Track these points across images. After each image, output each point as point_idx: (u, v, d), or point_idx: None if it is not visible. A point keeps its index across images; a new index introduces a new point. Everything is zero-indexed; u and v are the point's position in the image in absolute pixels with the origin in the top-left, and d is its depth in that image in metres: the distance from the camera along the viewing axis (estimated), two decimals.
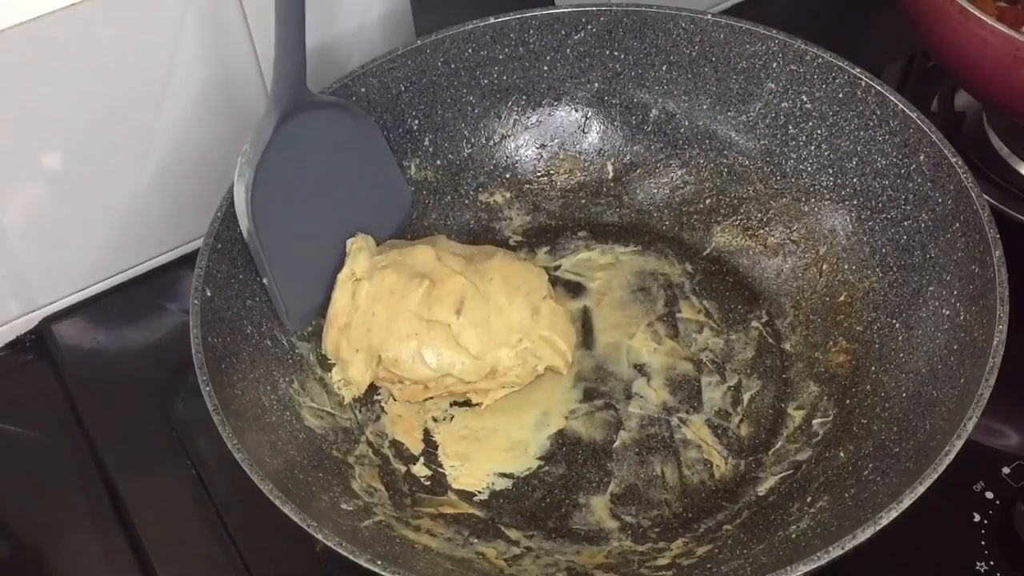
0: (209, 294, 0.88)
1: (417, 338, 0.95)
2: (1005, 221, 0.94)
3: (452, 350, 0.95)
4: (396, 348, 0.95)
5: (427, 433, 0.96)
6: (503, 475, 0.94)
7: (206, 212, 0.92)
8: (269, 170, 0.93)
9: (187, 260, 1.10)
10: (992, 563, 0.89)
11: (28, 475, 0.99)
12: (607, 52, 1.06)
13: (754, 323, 1.01)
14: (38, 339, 1.08)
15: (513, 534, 0.90)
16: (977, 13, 0.91)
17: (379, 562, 0.75)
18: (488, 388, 0.97)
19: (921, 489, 0.75)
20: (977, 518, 0.91)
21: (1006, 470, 0.94)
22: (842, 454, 0.89)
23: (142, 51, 0.97)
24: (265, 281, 0.95)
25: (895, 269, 0.96)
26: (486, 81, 1.07)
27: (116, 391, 1.03)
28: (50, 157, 0.99)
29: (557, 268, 1.06)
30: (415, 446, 0.95)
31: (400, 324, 0.95)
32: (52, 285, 1.07)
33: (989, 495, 0.93)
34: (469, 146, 1.08)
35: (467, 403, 0.98)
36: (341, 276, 0.97)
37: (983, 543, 0.90)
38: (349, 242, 0.99)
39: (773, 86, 1.03)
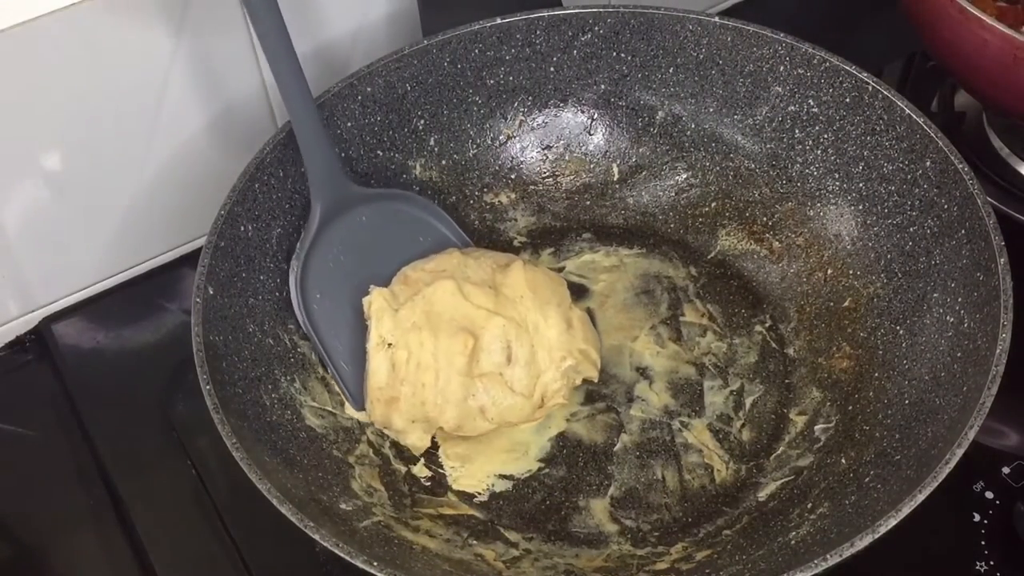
0: (211, 292, 0.88)
1: (473, 398, 0.94)
2: (1005, 221, 0.93)
3: (508, 397, 0.94)
4: (454, 414, 0.93)
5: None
6: (503, 477, 0.93)
7: (206, 212, 0.92)
8: (317, 265, 0.96)
9: (187, 260, 1.11)
10: (992, 563, 0.89)
11: (28, 475, 0.99)
12: (614, 54, 1.06)
13: (757, 327, 1.01)
14: (38, 339, 1.08)
15: (512, 536, 0.90)
16: (977, 13, 0.91)
17: (376, 563, 0.75)
18: (538, 417, 0.96)
19: (921, 498, 0.75)
20: (977, 518, 0.91)
21: (1006, 470, 0.94)
22: (843, 460, 0.89)
23: (142, 51, 0.97)
24: (329, 371, 0.96)
25: (900, 275, 0.95)
26: (492, 82, 1.06)
27: (116, 391, 1.03)
28: (50, 157, 0.99)
29: (561, 270, 1.06)
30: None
31: (453, 390, 0.93)
32: (52, 285, 1.07)
33: (989, 495, 0.92)
34: (474, 146, 1.08)
35: None
36: (371, 345, 0.95)
37: (983, 543, 0.90)
38: (365, 302, 0.97)
39: (780, 90, 1.02)
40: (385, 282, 0.98)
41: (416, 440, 0.94)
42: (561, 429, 0.96)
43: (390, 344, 0.94)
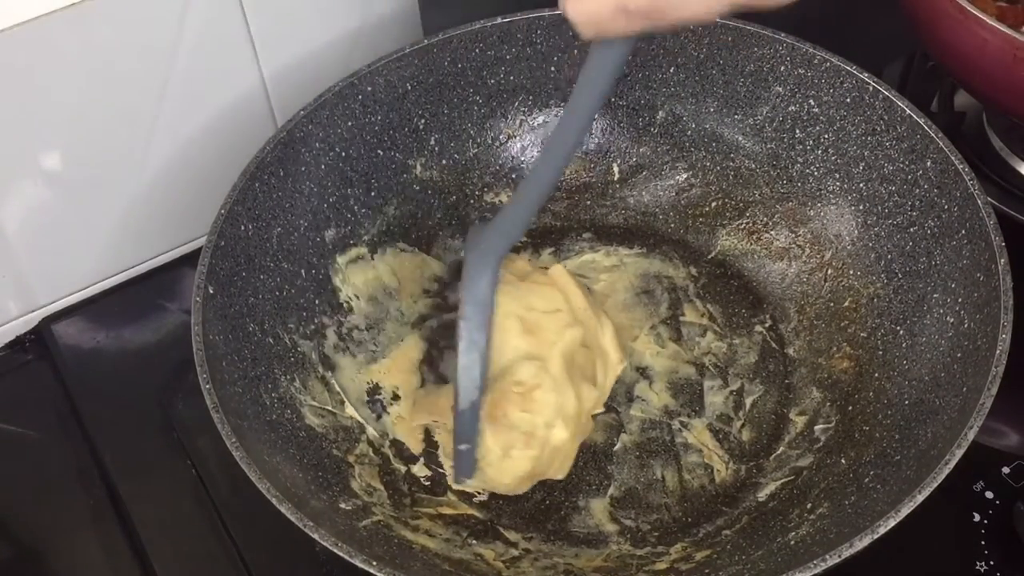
0: (212, 291, 0.88)
1: (575, 441, 0.93)
2: (1005, 221, 0.93)
3: (587, 426, 0.94)
4: (566, 466, 0.92)
5: (428, 433, 0.96)
6: None
7: (206, 212, 0.92)
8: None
9: (187, 260, 1.11)
10: (992, 563, 0.89)
11: (28, 475, 0.99)
12: None
13: (758, 327, 1.01)
14: (38, 339, 1.08)
15: (512, 536, 0.90)
16: (977, 13, 0.91)
17: (375, 563, 0.74)
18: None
19: (920, 498, 0.74)
20: (977, 518, 0.91)
21: (1006, 470, 0.94)
22: (843, 461, 0.89)
23: (142, 51, 0.97)
24: (463, 448, 0.89)
25: (900, 275, 0.95)
26: (493, 81, 1.06)
27: (116, 391, 1.03)
28: (50, 157, 0.99)
29: None
30: (416, 446, 0.95)
31: (573, 444, 0.92)
32: (52, 285, 1.07)
33: (989, 495, 0.92)
34: (475, 146, 1.08)
35: None
36: (540, 431, 0.89)
37: (983, 543, 0.90)
38: (520, 380, 0.90)
39: (780, 89, 1.02)
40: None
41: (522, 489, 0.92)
42: None
43: (552, 425, 0.90)
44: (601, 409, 0.96)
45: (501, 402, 0.89)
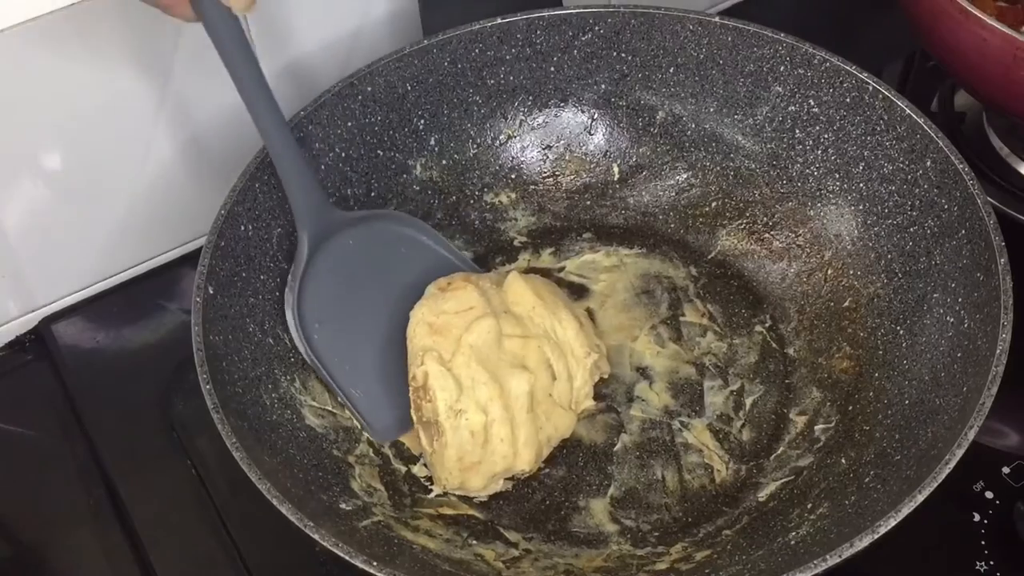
0: (211, 292, 0.88)
1: (541, 431, 0.92)
2: (1005, 221, 0.93)
3: (563, 416, 0.94)
4: (530, 455, 0.91)
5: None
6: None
7: (206, 212, 0.92)
8: (312, 294, 0.94)
9: (187, 260, 1.11)
10: (992, 563, 0.89)
11: (28, 475, 0.99)
12: (614, 54, 1.06)
13: (758, 327, 1.01)
14: (38, 339, 1.08)
15: (512, 536, 0.90)
16: (977, 13, 0.91)
17: (375, 563, 0.74)
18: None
19: (921, 498, 0.75)
20: (977, 518, 0.91)
21: (1006, 470, 0.94)
22: (843, 461, 0.89)
23: (142, 50, 0.97)
24: (340, 399, 0.95)
25: (900, 275, 0.95)
26: (492, 81, 1.06)
27: (116, 391, 1.03)
28: (50, 157, 0.99)
29: (561, 270, 1.06)
30: (416, 446, 0.95)
31: (525, 433, 0.91)
32: (52, 285, 1.07)
33: (989, 495, 0.92)
34: (475, 146, 1.08)
35: None
36: (442, 418, 0.89)
37: (983, 543, 0.90)
38: (418, 371, 0.91)
39: (780, 89, 1.02)
40: (384, 305, 0.97)
41: (492, 489, 0.92)
42: None
43: (460, 411, 0.90)
44: (588, 404, 0.96)
45: (416, 402, 0.91)
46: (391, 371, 0.96)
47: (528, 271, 1.05)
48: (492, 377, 0.90)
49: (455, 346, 0.91)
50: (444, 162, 1.07)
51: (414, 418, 0.92)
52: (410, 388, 0.92)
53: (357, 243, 0.97)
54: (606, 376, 0.98)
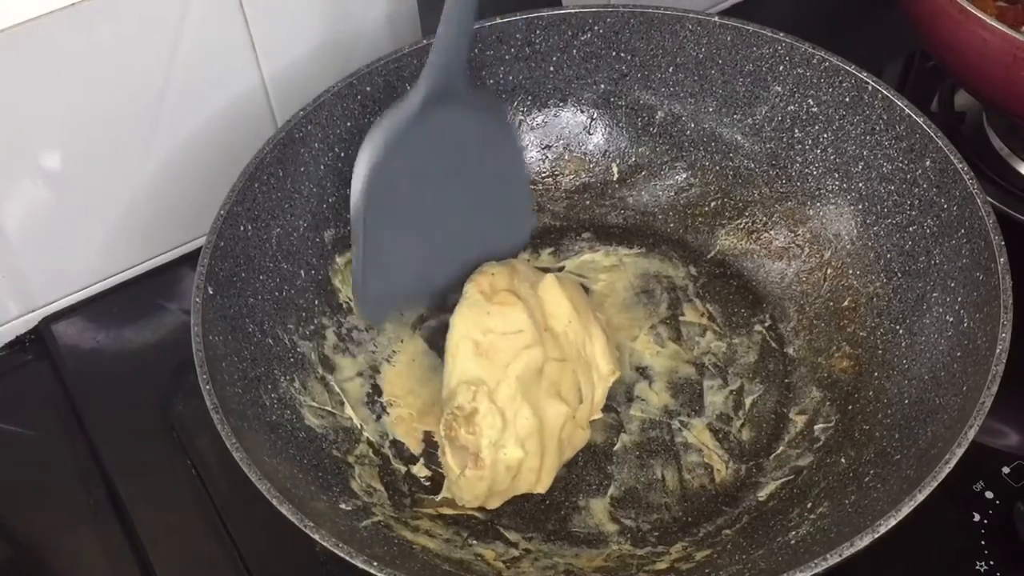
0: (211, 292, 0.88)
1: (562, 455, 0.92)
2: (1005, 221, 0.93)
3: (581, 436, 0.94)
4: (549, 479, 0.91)
5: (428, 433, 0.96)
6: None
7: (206, 212, 0.92)
8: (398, 154, 0.90)
9: (187, 260, 1.11)
10: (992, 563, 0.89)
11: (28, 475, 0.99)
12: (613, 53, 1.06)
13: (757, 327, 1.01)
14: (38, 339, 1.08)
15: (512, 536, 0.90)
16: (977, 13, 0.91)
17: (375, 563, 0.74)
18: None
19: (921, 497, 0.74)
20: (977, 518, 0.91)
21: (1006, 470, 0.94)
22: (843, 460, 0.89)
23: (142, 51, 0.97)
24: (353, 260, 0.93)
25: (899, 275, 0.95)
26: (491, 81, 1.06)
27: (116, 391, 1.03)
28: (50, 157, 0.99)
29: (561, 269, 1.06)
30: (415, 446, 0.95)
31: (551, 459, 0.91)
32: (52, 285, 1.07)
33: (989, 495, 0.92)
34: None
35: None
36: (484, 453, 0.88)
37: (983, 543, 0.90)
38: (460, 405, 0.89)
39: (779, 89, 1.02)
40: (444, 199, 0.93)
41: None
42: None
43: (501, 446, 0.88)
44: (598, 415, 0.95)
45: (451, 423, 0.90)
46: (417, 266, 0.95)
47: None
48: (533, 411, 0.89)
49: (501, 375, 0.89)
50: None
51: (442, 433, 0.91)
52: (447, 409, 0.90)
53: (463, 128, 0.93)
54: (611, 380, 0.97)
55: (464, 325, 0.91)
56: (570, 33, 1.05)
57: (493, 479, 0.89)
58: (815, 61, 0.99)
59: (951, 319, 0.89)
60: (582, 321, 0.94)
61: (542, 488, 0.91)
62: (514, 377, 0.89)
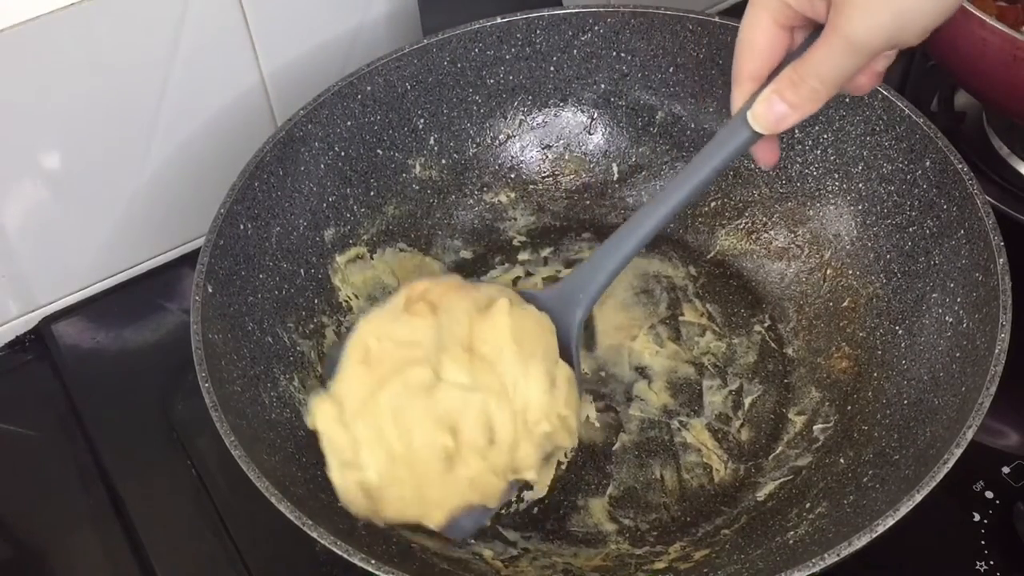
0: (211, 290, 0.88)
1: (460, 496, 0.81)
2: (1005, 221, 0.93)
3: (492, 484, 0.81)
4: (443, 516, 0.81)
5: None
6: None
7: (206, 211, 0.92)
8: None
9: (187, 259, 1.11)
10: (992, 563, 0.89)
11: (28, 475, 0.99)
12: (614, 53, 1.06)
13: (757, 327, 1.01)
14: (38, 339, 1.08)
15: (511, 535, 0.90)
16: (977, 13, 0.91)
17: (374, 561, 0.74)
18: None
19: (919, 497, 0.74)
20: (977, 518, 0.91)
21: (1006, 470, 0.94)
22: (842, 460, 0.89)
23: (142, 50, 0.97)
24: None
25: (899, 275, 0.95)
26: (492, 81, 1.06)
27: (116, 391, 1.03)
28: (50, 157, 0.99)
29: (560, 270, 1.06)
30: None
31: (436, 495, 0.81)
32: (52, 285, 1.07)
33: (989, 495, 0.92)
34: (474, 146, 1.08)
35: None
36: (333, 474, 0.81)
37: (983, 543, 0.90)
38: (309, 422, 0.82)
39: None
40: None
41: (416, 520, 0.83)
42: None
43: (355, 466, 0.81)
44: (532, 476, 0.83)
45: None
46: None
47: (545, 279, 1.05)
48: (405, 434, 0.80)
49: (375, 383, 0.81)
50: (443, 161, 1.07)
51: None
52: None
53: None
54: (567, 452, 0.93)
55: (367, 327, 0.84)
56: (570, 33, 1.05)
57: (353, 502, 0.82)
58: None
59: (950, 319, 0.89)
60: (520, 356, 0.82)
61: (432, 523, 0.81)
62: (387, 392, 0.80)
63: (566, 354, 0.85)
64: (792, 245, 1.03)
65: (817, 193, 1.02)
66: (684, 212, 1.07)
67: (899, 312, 0.94)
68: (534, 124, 1.09)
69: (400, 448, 0.79)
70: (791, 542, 0.83)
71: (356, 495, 0.81)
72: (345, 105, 1.00)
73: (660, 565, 0.87)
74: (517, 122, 1.09)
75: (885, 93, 0.96)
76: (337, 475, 0.81)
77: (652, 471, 0.93)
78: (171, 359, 1.02)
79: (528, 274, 1.06)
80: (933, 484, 0.75)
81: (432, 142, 1.06)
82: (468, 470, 0.80)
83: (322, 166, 1.00)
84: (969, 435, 0.77)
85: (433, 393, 0.80)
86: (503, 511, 0.91)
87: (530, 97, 1.08)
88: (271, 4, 1.01)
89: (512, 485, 0.83)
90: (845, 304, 0.98)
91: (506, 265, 1.06)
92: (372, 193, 1.03)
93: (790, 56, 0.76)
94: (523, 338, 0.83)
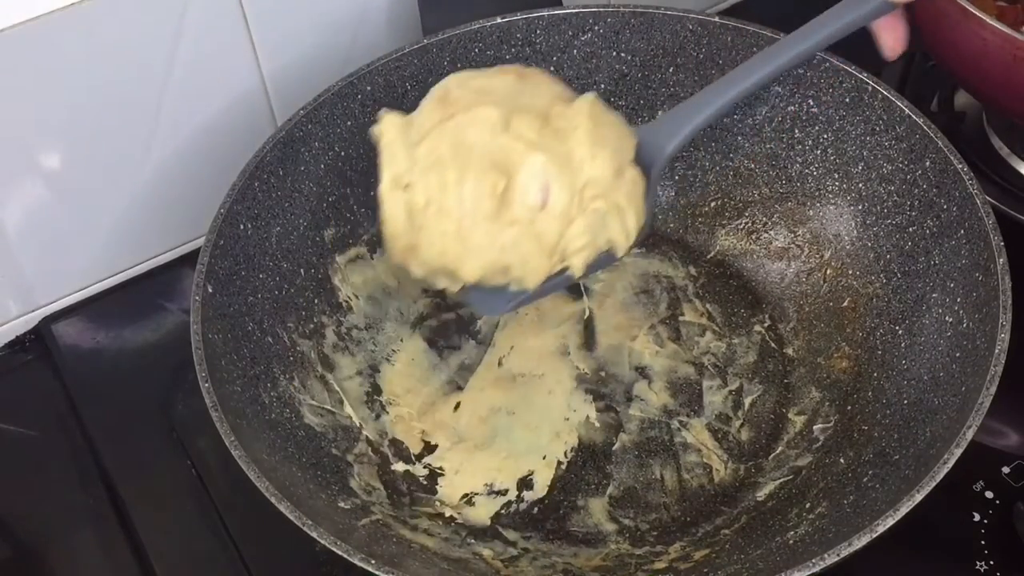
0: (211, 290, 0.88)
1: (501, 253, 0.82)
2: (1005, 221, 0.93)
3: (534, 257, 0.82)
4: (477, 266, 0.82)
5: (427, 432, 0.96)
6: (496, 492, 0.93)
7: (206, 211, 0.92)
8: None
9: (187, 259, 1.11)
10: (992, 563, 0.89)
11: (28, 475, 0.99)
12: (614, 53, 1.06)
13: (757, 327, 1.01)
14: (38, 339, 1.08)
15: (511, 535, 0.90)
16: (977, 13, 0.91)
17: (374, 561, 0.74)
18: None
19: (919, 497, 0.74)
20: (977, 518, 0.91)
21: (1006, 470, 0.94)
22: (842, 460, 0.89)
23: (142, 51, 0.97)
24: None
25: (899, 275, 0.95)
26: None
27: (116, 391, 1.03)
28: (50, 157, 0.99)
29: None
30: (415, 445, 0.95)
31: (478, 240, 0.81)
32: (52, 285, 1.07)
33: (989, 495, 0.92)
34: None
35: None
36: (384, 188, 0.82)
37: (983, 543, 0.90)
38: (374, 132, 0.84)
39: (780, 90, 1.02)
40: None
41: (445, 285, 0.85)
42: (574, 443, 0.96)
43: (407, 185, 0.82)
44: (576, 266, 0.84)
45: None
46: None
47: None
48: (462, 167, 0.81)
49: (445, 118, 0.83)
50: None
51: None
52: None
53: None
54: (617, 255, 0.87)
55: (454, 78, 0.87)
56: (570, 33, 1.05)
57: (395, 222, 0.83)
58: (815, 61, 0.99)
59: (950, 319, 0.89)
60: (594, 139, 0.82)
61: (467, 273, 0.83)
62: (454, 122, 0.82)
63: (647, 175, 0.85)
64: (792, 245, 1.03)
65: (817, 193, 1.02)
66: (684, 212, 1.07)
67: (899, 312, 0.94)
68: None
69: (453, 176, 0.81)
70: (791, 542, 0.83)
71: (400, 215, 0.82)
72: (345, 105, 1.00)
73: (660, 565, 0.87)
74: None
75: (885, 93, 0.96)
76: (387, 190, 0.82)
77: (652, 471, 0.93)
78: (171, 359, 1.02)
79: None
80: (933, 484, 0.75)
81: None
82: (515, 223, 0.81)
83: (322, 166, 1.00)
84: (969, 435, 0.77)
85: (498, 137, 0.81)
86: (503, 511, 0.91)
87: None
88: (271, 4, 1.01)
89: (552, 279, 0.84)
90: (845, 304, 0.98)
91: None
92: (372, 193, 1.02)
93: None
94: (600, 124, 0.84)
